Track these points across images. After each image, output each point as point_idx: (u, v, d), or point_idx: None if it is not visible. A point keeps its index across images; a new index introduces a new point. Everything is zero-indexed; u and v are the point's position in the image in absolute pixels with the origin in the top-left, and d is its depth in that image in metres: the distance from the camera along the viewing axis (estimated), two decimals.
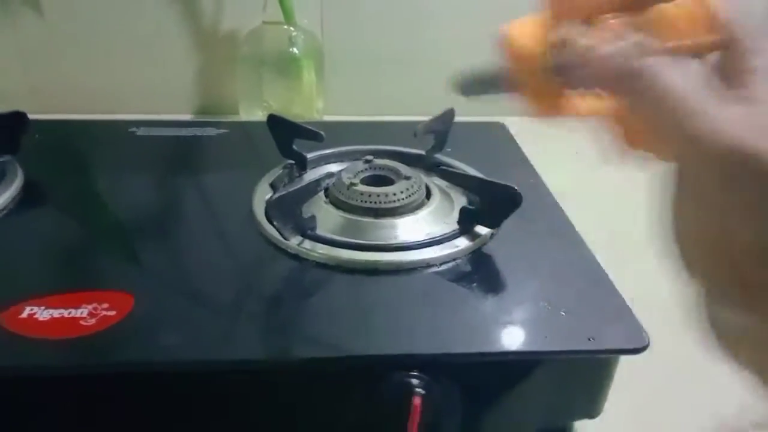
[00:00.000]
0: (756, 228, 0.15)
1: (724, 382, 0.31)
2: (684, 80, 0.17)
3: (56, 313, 0.31)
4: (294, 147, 0.45)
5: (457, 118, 0.50)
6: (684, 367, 0.36)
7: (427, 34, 0.72)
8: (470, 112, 0.56)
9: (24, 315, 0.30)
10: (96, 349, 0.29)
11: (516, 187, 0.36)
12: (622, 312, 0.32)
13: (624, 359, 0.31)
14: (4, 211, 0.40)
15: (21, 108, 0.45)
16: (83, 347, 0.29)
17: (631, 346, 0.29)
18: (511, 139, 0.54)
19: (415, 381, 0.29)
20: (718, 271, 0.16)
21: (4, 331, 0.29)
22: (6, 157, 0.45)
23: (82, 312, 0.31)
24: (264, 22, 0.66)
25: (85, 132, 0.53)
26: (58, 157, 0.49)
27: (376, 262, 0.35)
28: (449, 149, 0.49)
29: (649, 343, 0.29)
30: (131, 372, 0.29)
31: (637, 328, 0.30)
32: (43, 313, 0.31)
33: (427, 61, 0.73)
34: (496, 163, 0.46)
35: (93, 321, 0.30)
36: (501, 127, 0.56)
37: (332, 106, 0.71)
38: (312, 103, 0.69)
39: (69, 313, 0.31)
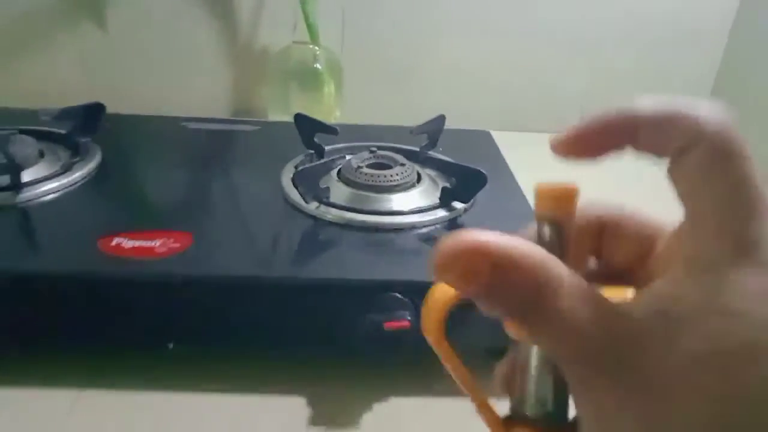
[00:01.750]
0: None
1: None
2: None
3: (137, 243, 0.42)
4: (315, 140, 0.57)
5: (450, 126, 0.62)
6: None
7: (433, 54, 0.84)
8: (462, 122, 0.68)
9: (113, 243, 0.42)
10: (165, 267, 0.40)
11: (483, 171, 0.47)
12: None
13: None
14: (89, 177, 0.52)
15: None
16: (156, 265, 0.40)
17: None
18: (493, 145, 0.65)
19: (398, 296, 0.39)
20: None
21: (100, 252, 0.41)
22: (87, 138, 0.57)
23: (155, 243, 0.42)
24: (293, 42, 0.78)
25: (147, 123, 0.65)
26: (126, 141, 0.61)
27: (375, 222, 0.46)
28: (440, 148, 0.60)
29: None
30: (187, 281, 0.40)
31: None
32: (127, 243, 0.42)
33: (433, 78, 0.85)
34: (476, 160, 0.56)
35: (164, 249, 0.42)
36: (486, 135, 0.67)
37: (348, 114, 0.83)
38: (331, 111, 0.80)
39: (146, 244, 0.42)
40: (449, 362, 0.21)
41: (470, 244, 0.16)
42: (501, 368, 0.21)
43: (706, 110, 0.16)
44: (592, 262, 0.21)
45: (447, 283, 0.16)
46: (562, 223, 0.18)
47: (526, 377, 0.19)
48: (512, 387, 0.20)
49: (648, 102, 0.17)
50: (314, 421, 0.40)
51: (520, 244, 0.16)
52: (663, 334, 0.15)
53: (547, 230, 0.18)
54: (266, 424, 0.39)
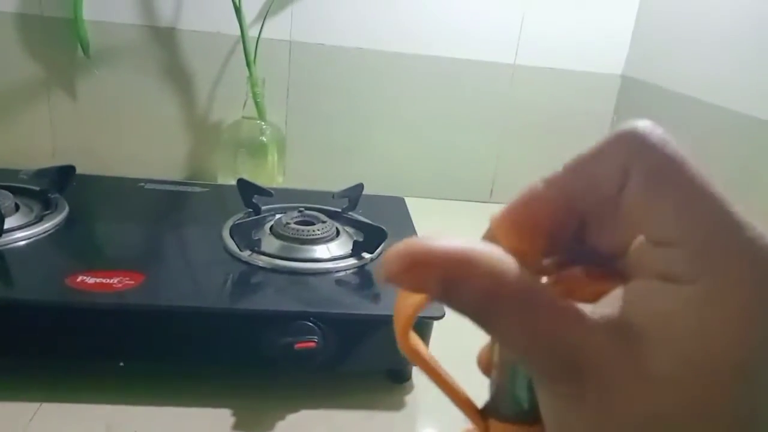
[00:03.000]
0: None
1: None
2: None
3: (98, 280, 0.52)
4: (253, 200, 0.68)
5: (370, 192, 0.75)
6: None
7: (363, 133, 0.98)
8: (381, 189, 0.80)
9: (78, 279, 0.51)
10: (120, 299, 0.50)
11: (385, 228, 0.59)
12: None
13: (437, 324, 0.52)
14: (59, 226, 0.61)
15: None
16: (113, 297, 0.50)
17: (434, 315, 0.51)
18: (405, 209, 0.77)
19: (310, 324, 0.50)
20: None
21: (67, 287, 0.50)
22: (57, 195, 0.67)
23: (114, 280, 0.52)
24: (243, 117, 0.90)
25: (109, 183, 0.75)
26: (91, 197, 0.71)
27: (298, 268, 0.57)
28: (360, 210, 0.72)
29: (445, 314, 0.51)
30: (139, 311, 0.49)
31: (439, 305, 0.52)
32: (90, 279, 0.52)
33: (362, 152, 0.99)
34: (388, 220, 0.68)
35: (120, 285, 0.51)
36: (400, 201, 0.80)
37: (290, 180, 0.95)
38: (273, 177, 0.92)
39: (106, 281, 0.52)
40: (420, 365, 0.20)
41: (417, 255, 0.15)
42: (482, 354, 0.21)
43: (618, 139, 0.16)
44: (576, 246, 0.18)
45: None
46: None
47: (500, 375, 0.19)
48: (491, 378, 0.20)
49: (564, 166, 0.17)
50: (236, 427, 0.49)
51: (474, 248, 0.15)
52: (613, 351, 0.15)
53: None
54: (196, 431, 0.49)
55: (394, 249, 0.15)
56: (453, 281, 0.15)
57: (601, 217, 0.16)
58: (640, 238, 0.16)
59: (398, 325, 0.19)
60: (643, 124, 0.15)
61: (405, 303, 0.18)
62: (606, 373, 0.14)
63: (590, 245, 0.17)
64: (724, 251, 0.14)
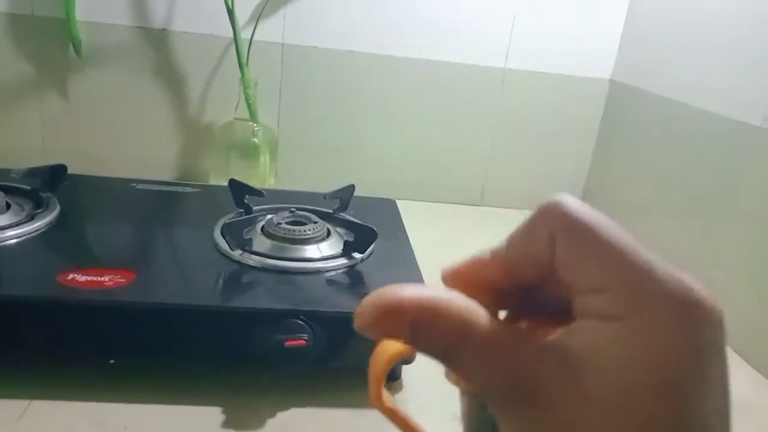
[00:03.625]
0: None
1: None
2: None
3: (89, 278, 0.52)
4: (245, 201, 0.69)
5: (362, 193, 0.75)
6: None
7: (355, 135, 0.98)
8: (372, 192, 0.81)
9: (69, 277, 0.51)
10: (111, 296, 0.50)
11: (375, 228, 0.60)
12: None
13: None
14: (50, 225, 0.61)
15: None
16: (104, 295, 0.50)
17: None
18: (396, 211, 0.78)
19: (300, 323, 0.50)
20: None
21: (59, 284, 0.50)
22: (49, 194, 0.67)
23: (105, 278, 0.52)
24: (235, 118, 0.91)
25: (101, 183, 0.75)
26: (83, 197, 0.72)
27: (288, 267, 0.58)
28: (352, 211, 0.72)
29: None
30: (130, 308, 0.50)
31: None
32: (81, 277, 0.52)
33: (354, 153, 0.99)
34: (379, 222, 0.69)
35: (111, 283, 0.52)
36: (392, 203, 0.81)
37: (282, 181, 0.95)
38: (265, 179, 0.93)
39: (97, 278, 0.52)
40: (393, 418, 0.20)
41: (388, 304, 0.17)
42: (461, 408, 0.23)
43: (543, 212, 0.18)
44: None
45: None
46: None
47: (468, 423, 0.21)
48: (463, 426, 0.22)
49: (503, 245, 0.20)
50: (226, 425, 0.49)
51: (439, 296, 0.17)
52: (559, 377, 0.17)
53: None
54: (187, 428, 0.49)
55: (366, 300, 0.18)
56: (421, 327, 0.17)
57: (542, 278, 0.19)
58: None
59: (373, 379, 0.19)
60: (562, 197, 0.18)
61: (378, 357, 0.19)
62: (553, 395, 0.17)
63: (541, 298, 0.20)
64: (641, 292, 0.16)
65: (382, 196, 0.81)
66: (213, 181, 0.92)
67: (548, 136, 1.03)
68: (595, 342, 0.17)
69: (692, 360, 0.16)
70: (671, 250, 0.84)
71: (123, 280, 0.52)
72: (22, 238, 0.58)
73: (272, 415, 0.51)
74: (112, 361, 0.50)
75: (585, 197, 1.09)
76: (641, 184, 0.93)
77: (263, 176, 0.92)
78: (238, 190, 0.69)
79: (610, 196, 1.02)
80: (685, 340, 0.16)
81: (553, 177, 1.06)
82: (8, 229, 0.58)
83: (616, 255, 0.17)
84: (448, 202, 1.03)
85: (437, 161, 1.02)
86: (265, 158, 0.92)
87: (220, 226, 0.64)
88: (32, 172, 0.66)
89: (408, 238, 0.69)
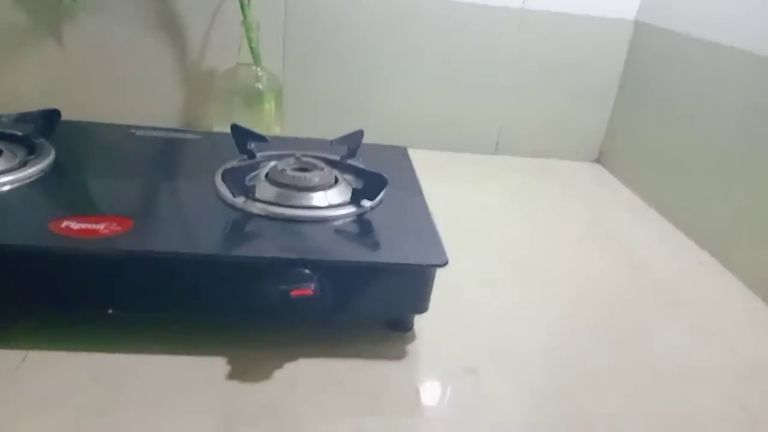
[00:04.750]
0: None
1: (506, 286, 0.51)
2: None
3: (84, 225, 0.49)
4: (248, 147, 0.65)
5: (372, 141, 0.72)
6: (480, 276, 0.56)
7: (365, 79, 0.94)
8: (383, 141, 0.77)
9: (63, 225, 0.49)
10: (107, 245, 0.47)
11: (385, 175, 0.56)
12: (435, 242, 0.52)
13: (440, 272, 0.50)
14: (44, 172, 0.58)
15: None
16: (100, 243, 0.47)
17: (437, 262, 0.49)
18: (407, 159, 0.74)
19: (307, 272, 0.47)
20: None
21: (51, 233, 0.48)
22: (42, 140, 0.64)
23: (100, 226, 0.49)
24: (238, 63, 0.86)
25: (97, 130, 0.72)
26: (79, 144, 0.68)
27: (294, 215, 0.55)
28: (360, 159, 0.69)
29: (448, 261, 0.49)
30: (126, 257, 0.47)
31: (441, 251, 0.50)
32: (75, 225, 0.49)
33: (368, 102, 0.95)
34: (390, 170, 0.66)
35: (107, 231, 0.49)
36: (402, 150, 0.77)
37: (288, 130, 0.92)
38: (271, 127, 0.89)
39: (92, 226, 0.49)
40: None
41: None
42: None
43: None
44: None
45: None
46: None
47: None
48: None
49: None
50: (231, 376, 0.47)
51: None
52: None
53: None
54: (188, 380, 0.47)
55: None
56: None
57: None
58: None
59: None
60: None
61: None
62: None
63: None
64: None
65: (392, 143, 0.78)
66: (216, 130, 0.88)
67: (567, 83, 0.98)
68: None
69: None
70: (695, 208, 0.80)
71: (119, 228, 0.49)
72: (15, 185, 0.55)
73: (280, 366, 0.49)
74: (110, 312, 0.48)
75: (604, 149, 1.05)
76: (665, 135, 0.88)
77: (268, 125, 0.88)
78: (241, 135, 0.65)
79: (630, 149, 0.98)
80: None
81: (572, 126, 1.02)
82: (1, 176, 0.55)
83: None
84: (461, 151, 0.98)
85: (450, 109, 0.97)
86: (269, 105, 0.88)
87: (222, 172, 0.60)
88: (23, 118, 0.63)
89: (420, 186, 0.65)
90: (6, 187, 0.55)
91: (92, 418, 0.42)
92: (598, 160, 1.06)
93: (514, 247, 0.73)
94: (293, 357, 0.50)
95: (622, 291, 0.67)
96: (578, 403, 0.49)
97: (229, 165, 0.62)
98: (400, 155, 0.75)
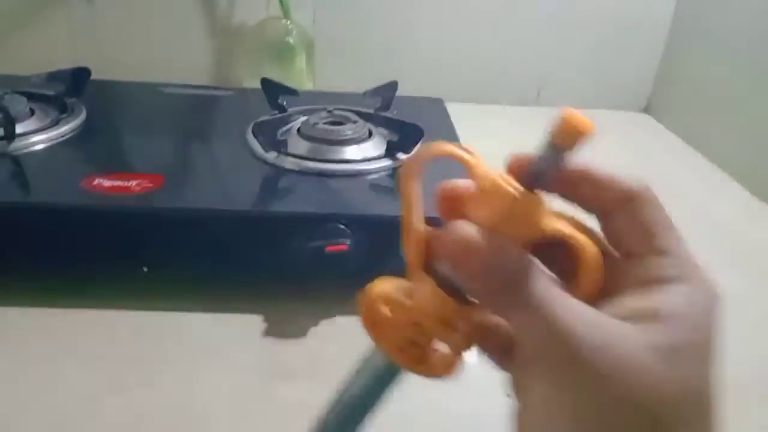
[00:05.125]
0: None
1: None
2: (552, 290, 0.18)
3: (115, 183, 0.48)
4: (279, 101, 0.63)
5: (407, 94, 0.69)
6: None
7: (400, 30, 0.90)
8: (418, 91, 0.74)
9: (95, 183, 0.48)
10: (139, 201, 0.46)
11: (420, 126, 0.53)
12: None
13: None
14: (75, 131, 0.58)
15: None
16: (131, 200, 0.46)
17: None
18: (443, 110, 0.71)
19: (342, 227, 0.46)
20: None
21: (83, 190, 0.47)
22: (73, 99, 0.63)
23: (132, 183, 0.49)
24: (267, 17, 0.84)
25: (128, 88, 0.71)
26: (109, 102, 0.68)
27: (328, 169, 0.53)
28: (395, 111, 0.66)
29: None
30: (158, 214, 0.46)
31: None
32: (106, 182, 0.48)
33: (402, 54, 0.91)
34: (425, 122, 0.63)
35: (139, 188, 0.48)
36: (439, 102, 0.74)
37: (320, 86, 0.89)
38: (302, 82, 0.86)
39: (123, 183, 0.48)
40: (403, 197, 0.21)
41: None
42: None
43: (629, 176, 0.21)
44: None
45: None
46: (566, 153, 0.19)
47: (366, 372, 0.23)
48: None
49: (593, 164, 0.21)
50: (268, 333, 0.47)
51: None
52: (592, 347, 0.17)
53: (553, 155, 0.19)
54: (225, 337, 0.46)
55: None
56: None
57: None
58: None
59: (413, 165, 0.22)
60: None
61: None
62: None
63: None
64: (692, 262, 0.20)
65: (428, 95, 0.74)
66: (247, 86, 0.87)
67: (613, 27, 0.92)
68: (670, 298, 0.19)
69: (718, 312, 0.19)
70: (755, 159, 0.75)
71: (151, 185, 0.48)
72: (47, 144, 0.55)
73: (315, 323, 0.48)
74: (145, 269, 0.47)
75: (653, 97, 0.99)
76: (721, 80, 0.82)
77: (299, 80, 0.86)
78: (272, 89, 0.63)
79: (682, 96, 0.92)
80: (717, 293, 0.20)
81: (618, 74, 0.96)
82: (32, 135, 0.55)
83: (673, 229, 0.20)
84: (501, 104, 0.94)
85: (489, 59, 0.93)
86: (300, 60, 0.85)
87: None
88: (53, 77, 0.62)
89: (458, 139, 0.62)
90: (39, 146, 0.54)
91: (133, 371, 0.42)
92: (646, 110, 1.00)
93: (557, 203, 0.70)
94: (329, 314, 0.49)
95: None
96: None
97: (260, 120, 0.60)
98: (436, 107, 0.72)
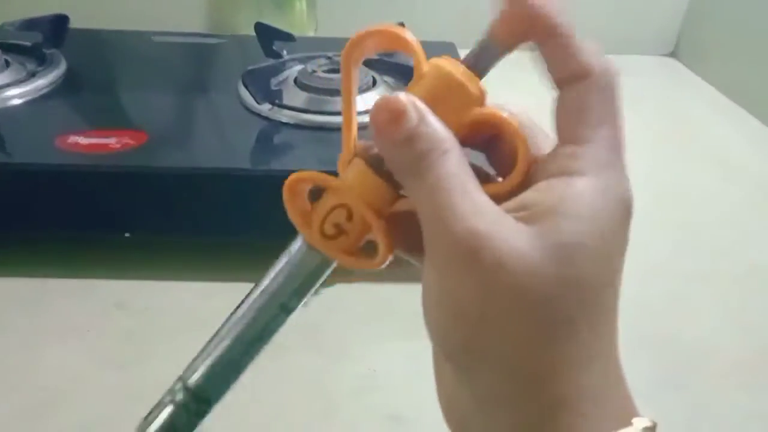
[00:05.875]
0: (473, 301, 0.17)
1: None
2: (457, 172, 0.18)
3: (93, 140, 0.44)
4: (274, 48, 0.58)
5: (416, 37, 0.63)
6: None
7: None
8: (428, 36, 0.68)
9: (70, 141, 0.44)
10: (118, 160, 0.42)
11: None
12: None
13: None
14: (54, 84, 0.53)
15: None
16: (110, 158, 0.42)
17: None
18: (456, 56, 0.65)
19: None
20: (448, 334, 0.18)
21: (58, 149, 0.43)
22: (53, 50, 0.58)
23: (111, 140, 0.44)
24: None
25: (113, 37, 0.66)
26: (93, 53, 0.63)
27: (327, 122, 0.48)
28: (402, 56, 0.60)
29: None
30: (140, 173, 0.42)
31: None
32: (83, 140, 0.44)
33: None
34: None
35: (119, 145, 0.44)
36: (451, 47, 0.67)
37: (322, 32, 0.83)
38: (304, 28, 0.80)
39: (101, 141, 0.44)
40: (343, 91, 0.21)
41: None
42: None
43: (599, 55, 0.19)
44: None
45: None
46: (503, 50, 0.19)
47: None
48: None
49: (567, 24, 0.19)
50: None
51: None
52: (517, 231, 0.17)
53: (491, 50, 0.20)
54: (217, 309, 0.42)
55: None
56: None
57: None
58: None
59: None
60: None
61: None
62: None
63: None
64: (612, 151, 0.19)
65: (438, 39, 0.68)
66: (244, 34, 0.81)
67: None
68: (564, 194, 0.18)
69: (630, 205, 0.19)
70: None
71: (132, 142, 0.44)
72: (23, 99, 0.50)
73: (315, 292, 0.44)
74: (127, 235, 0.43)
75: (681, 40, 0.92)
76: (757, 19, 0.75)
77: (301, 26, 0.80)
78: (266, 34, 0.58)
79: (713, 38, 0.85)
80: (629, 196, 0.18)
81: (642, 15, 0.89)
82: (7, 89, 0.50)
83: (610, 121, 0.19)
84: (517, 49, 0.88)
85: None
86: (301, 5, 0.79)
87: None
88: (29, 24, 0.57)
89: None
90: (14, 101, 0.50)
91: (122, 345, 0.39)
92: (673, 54, 0.93)
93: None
94: (329, 281, 0.45)
95: (717, 196, 0.59)
96: (668, 322, 0.42)
97: (252, 68, 0.55)
98: (448, 52, 0.66)
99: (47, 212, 0.43)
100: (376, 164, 0.20)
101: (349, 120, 0.21)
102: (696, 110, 0.77)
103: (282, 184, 0.21)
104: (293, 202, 0.21)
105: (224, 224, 0.44)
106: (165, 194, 0.42)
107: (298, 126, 0.48)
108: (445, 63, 0.20)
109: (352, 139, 0.21)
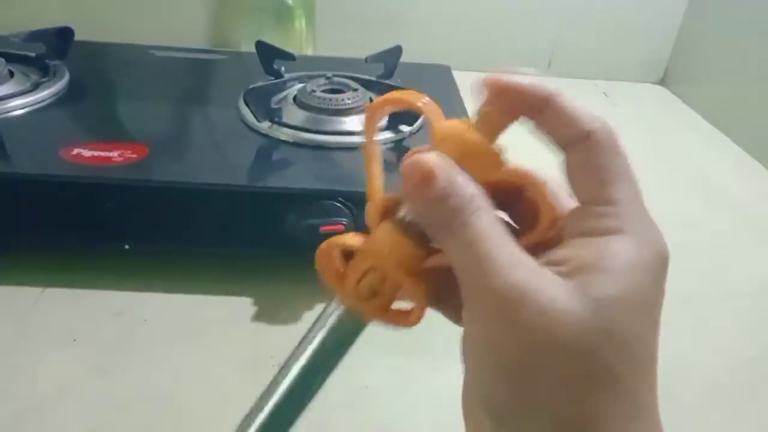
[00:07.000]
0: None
1: None
2: (492, 227, 0.18)
3: (96, 153, 0.45)
4: (275, 66, 0.59)
5: (412, 59, 0.65)
6: None
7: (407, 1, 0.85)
8: (424, 58, 0.70)
9: (74, 152, 0.45)
10: (120, 173, 0.43)
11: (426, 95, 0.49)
12: None
13: None
14: (58, 96, 0.54)
15: None
16: (112, 171, 0.43)
17: None
18: (450, 78, 0.67)
19: (338, 205, 0.43)
20: (495, 385, 0.18)
21: (61, 161, 0.44)
22: (57, 62, 0.59)
23: (113, 153, 0.45)
24: None
25: (115, 50, 0.67)
26: (96, 65, 0.64)
27: (325, 141, 0.49)
28: (399, 80, 0.62)
29: None
30: (141, 187, 0.43)
31: None
32: (86, 152, 0.45)
33: (408, 18, 0.86)
34: (431, 90, 0.59)
35: (121, 159, 0.45)
36: (446, 69, 0.69)
37: (320, 50, 0.85)
38: (302, 47, 0.82)
39: (104, 154, 0.45)
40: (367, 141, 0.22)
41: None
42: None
43: (593, 114, 0.19)
44: None
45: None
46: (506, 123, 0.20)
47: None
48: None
49: (558, 92, 0.19)
50: (258, 317, 0.44)
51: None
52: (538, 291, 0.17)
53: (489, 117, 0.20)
54: (212, 321, 0.43)
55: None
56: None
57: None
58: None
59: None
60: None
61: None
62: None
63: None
64: (641, 206, 0.19)
65: (433, 62, 0.70)
66: (244, 50, 0.82)
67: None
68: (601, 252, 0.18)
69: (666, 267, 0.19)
70: None
71: (134, 156, 0.45)
72: (26, 109, 0.51)
73: (310, 307, 0.45)
74: (127, 247, 0.44)
75: (670, 68, 0.94)
76: (744, 51, 0.78)
77: (299, 44, 0.82)
78: (267, 53, 0.59)
79: (701, 68, 0.87)
80: (665, 248, 0.19)
81: (633, 43, 0.91)
82: (12, 99, 0.51)
83: (628, 179, 0.19)
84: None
85: (497, 24, 0.88)
86: (300, 23, 0.81)
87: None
88: (35, 36, 0.58)
89: (466, 108, 0.58)
90: (17, 112, 0.51)
91: (114, 357, 0.40)
92: (662, 82, 0.95)
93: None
94: (325, 298, 0.46)
95: (700, 222, 0.60)
96: None
97: (253, 86, 0.56)
98: (443, 75, 0.68)
99: (49, 222, 0.43)
100: (406, 227, 0.20)
101: (372, 183, 0.22)
102: (683, 137, 0.79)
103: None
104: (328, 267, 0.22)
105: (222, 238, 0.45)
106: (165, 208, 0.43)
107: (296, 144, 0.49)
108: (464, 126, 0.20)
109: (377, 190, 0.21)
